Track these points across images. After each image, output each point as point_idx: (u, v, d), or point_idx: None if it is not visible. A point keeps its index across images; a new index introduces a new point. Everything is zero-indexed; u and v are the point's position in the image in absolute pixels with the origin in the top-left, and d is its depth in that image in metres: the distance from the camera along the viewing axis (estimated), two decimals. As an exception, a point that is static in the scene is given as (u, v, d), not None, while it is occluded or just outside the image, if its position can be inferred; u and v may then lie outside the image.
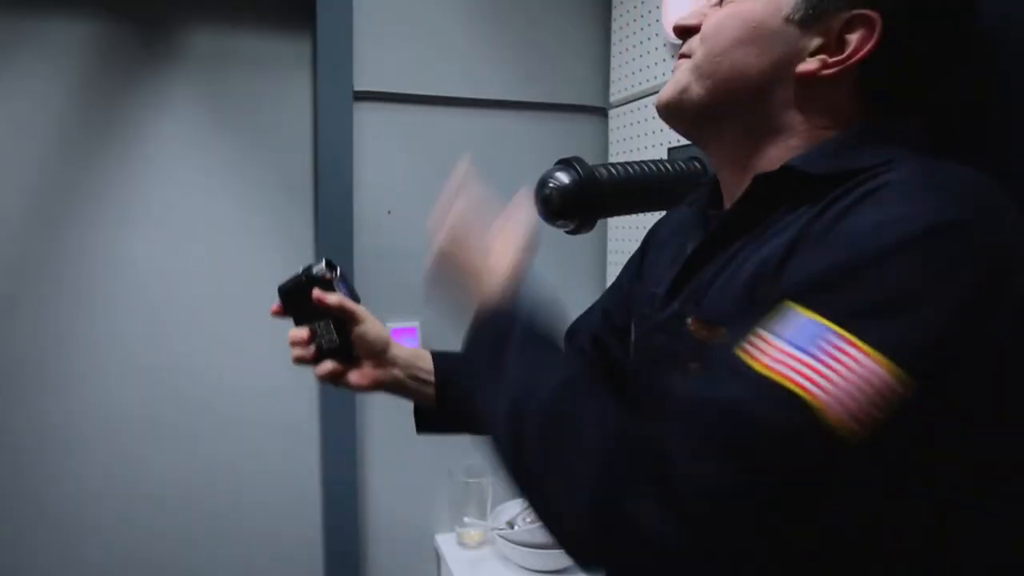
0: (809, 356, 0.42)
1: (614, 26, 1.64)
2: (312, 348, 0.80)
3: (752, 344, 0.44)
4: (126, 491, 1.52)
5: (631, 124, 1.58)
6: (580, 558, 0.52)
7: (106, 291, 1.50)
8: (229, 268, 1.57)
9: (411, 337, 1.63)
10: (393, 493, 1.67)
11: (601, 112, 1.71)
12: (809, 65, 0.56)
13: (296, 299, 0.79)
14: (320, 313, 0.77)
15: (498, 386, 0.55)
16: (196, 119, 1.53)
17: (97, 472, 1.50)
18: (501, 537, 1.52)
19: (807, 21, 0.56)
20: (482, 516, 1.62)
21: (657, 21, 1.42)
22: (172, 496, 1.55)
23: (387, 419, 1.64)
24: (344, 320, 0.78)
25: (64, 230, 1.47)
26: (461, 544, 1.63)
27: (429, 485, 1.69)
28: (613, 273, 1.71)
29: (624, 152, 1.60)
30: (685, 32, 0.63)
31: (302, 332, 0.80)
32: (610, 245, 1.72)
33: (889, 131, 0.56)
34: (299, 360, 0.81)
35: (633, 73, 1.56)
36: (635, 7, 1.54)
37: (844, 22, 0.55)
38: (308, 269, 0.78)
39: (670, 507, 0.42)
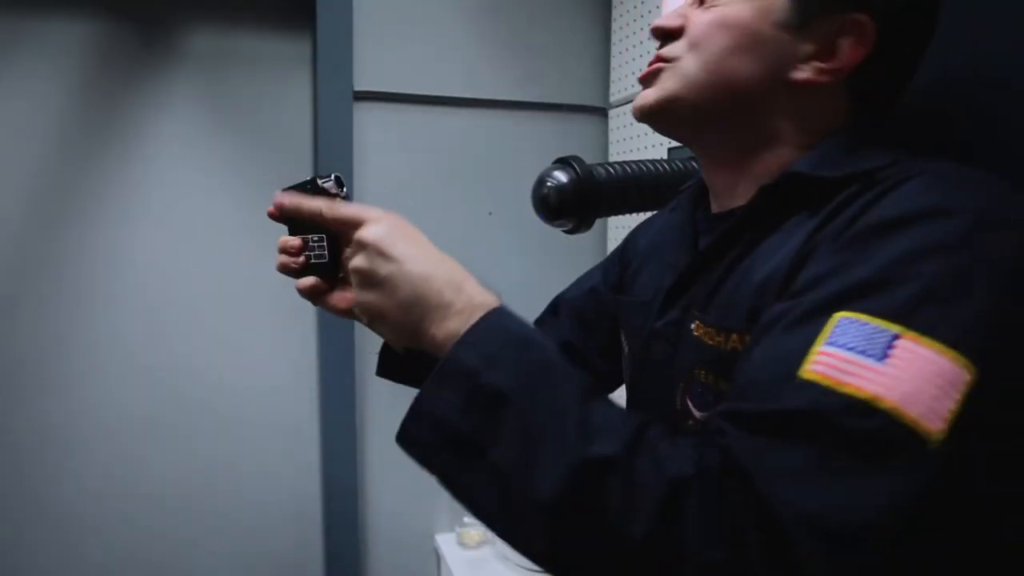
0: (879, 362, 0.40)
1: (614, 26, 1.64)
2: (301, 259, 0.78)
3: (817, 362, 0.41)
4: (126, 491, 1.52)
5: (631, 124, 1.58)
6: None
7: (106, 291, 1.50)
8: (229, 268, 1.57)
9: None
10: (393, 493, 1.67)
11: (601, 112, 1.71)
12: (803, 73, 0.55)
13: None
14: (316, 227, 0.75)
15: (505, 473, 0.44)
16: (196, 119, 1.53)
17: (97, 472, 1.50)
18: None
19: (799, 27, 0.54)
20: (482, 516, 1.62)
21: (657, 21, 1.42)
22: (172, 496, 1.55)
23: (387, 419, 1.64)
24: (337, 237, 0.76)
25: (64, 230, 1.47)
26: (461, 544, 1.63)
27: (429, 485, 1.67)
28: (613, 273, 1.71)
29: (624, 152, 1.60)
30: (666, 35, 0.60)
31: (294, 241, 0.77)
32: (610, 245, 1.72)
33: (889, 133, 0.56)
34: (284, 268, 0.77)
35: (633, 73, 1.56)
36: (635, 7, 1.54)
37: (838, 26, 0.53)
38: (314, 180, 0.76)
39: (786, 548, 0.38)
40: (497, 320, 0.50)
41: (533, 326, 0.51)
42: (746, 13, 0.55)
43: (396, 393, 1.61)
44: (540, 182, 0.85)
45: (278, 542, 1.63)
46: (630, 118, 1.58)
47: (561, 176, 0.85)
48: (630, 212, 1.04)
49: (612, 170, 0.94)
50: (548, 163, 0.96)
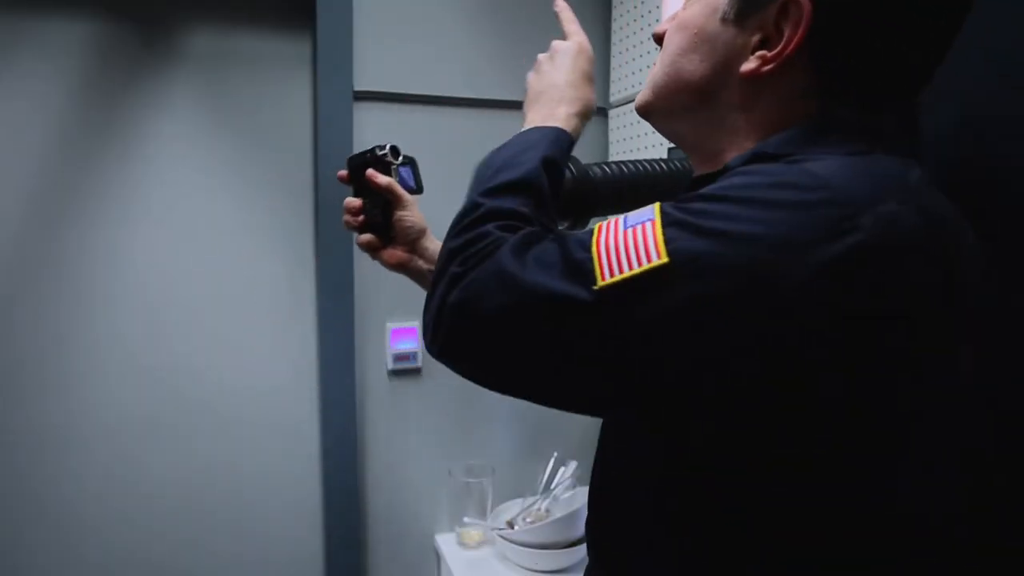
0: (623, 227, 0.50)
1: (614, 26, 1.64)
2: (361, 218, 0.89)
3: (603, 223, 0.53)
4: (126, 491, 1.52)
5: (631, 124, 1.58)
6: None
7: (106, 291, 1.50)
8: (229, 268, 1.57)
9: (411, 337, 1.63)
10: (393, 493, 1.67)
11: (601, 112, 1.71)
12: (751, 64, 0.55)
13: (357, 172, 0.88)
14: (372, 190, 0.86)
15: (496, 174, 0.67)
16: (196, 119, 1.53)
17: (97, 472, 1.50)
18: (501, 537, 1.52)
19: (742, 18, 0.56)
20: (482, 516, 1.62)
21: (657, 21, 1.42)
22: (172, 496, 1.55)
23: (387, 419, 1.64)
24: (390, 202, 0.87)
25: (64, 230, 1.47)
26: (461, 544, 1.63)
27: (429, 485, 1.68)
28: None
29: (624, 152, 1.60)
30: (660, 40, 0.65)
31: (356, 202, 0.90)
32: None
33: (861, 122, 0.54)
34: (347, 225, 0.91)
35: (633, 73, 1.56)
36: (635, 7, 1.54)
37: (777, 11, 0.53)
38: (373, 149, 0.87)
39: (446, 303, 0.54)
40: (541, 132, 0.74)
41: (566, 151, 0.73)
42: (696, 13, 0.59)
43: (396, 393, 1.63)
44: None
45: (278, 542, 1.63)
46: (630, 118, 1.57)
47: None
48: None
49: (608, 170, 0.94)
50: (548, 163, 0.95)
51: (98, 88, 1.47)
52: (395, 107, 1.61)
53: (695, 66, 0.59)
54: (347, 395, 1.58)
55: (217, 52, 1.53)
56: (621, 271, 0.48)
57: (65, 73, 1.44)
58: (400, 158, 0.88)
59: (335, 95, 1.54)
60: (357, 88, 1.55)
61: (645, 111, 0.66)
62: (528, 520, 1.56)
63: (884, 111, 0.55)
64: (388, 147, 0.87)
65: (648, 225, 0.49)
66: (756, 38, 0.55)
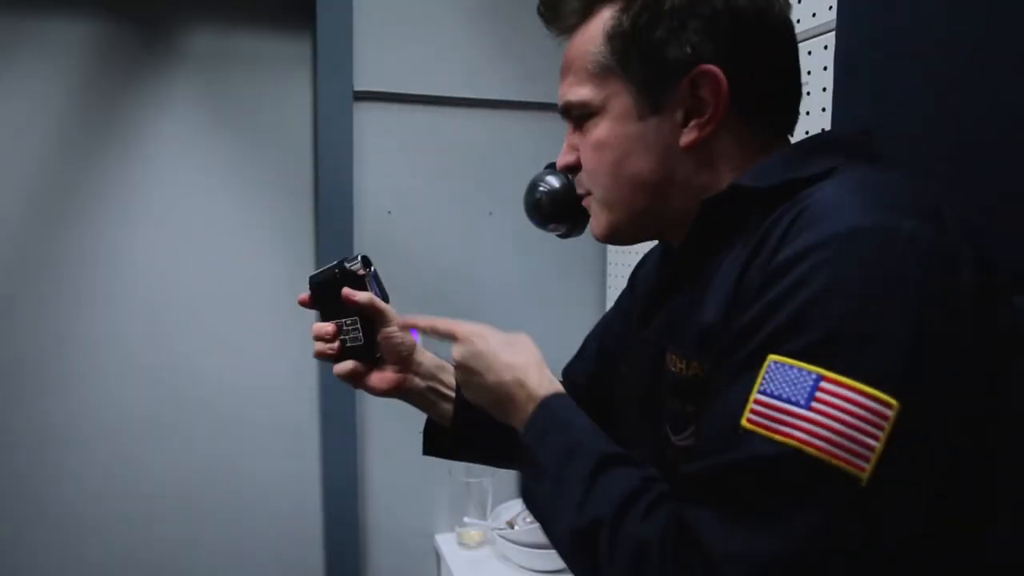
0: (805, 408, 0.43)
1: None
2: (336, 344, 0.78)
3: (753, 411, 0.45)
4: (126, 491, 1.52)
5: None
6: None
7: (106, 291, 1.50)
8: (229, 268, 1.57)
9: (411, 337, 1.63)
10: (393, 493, 1.67)
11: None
12: (688, 136, 0.58)
13: (326, 292, 0.77)
14: (348, 310, 0.76)
15: (570, 499, 0.54)
16: (196, 119, 1.53)
17: (97, 472, 1.50)
18: (501, 537, 1.52)
19: (658, 108, 0.58)
20: (482, 516, 1.62)
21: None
22: (172, 496, 1.55)
23: (387, 419, 1.64)
24: (372, 319, 0.77)
25: (64, 230, 1.47)
26: (461, 544, 1.63)
27: (429, 485, 1.68)
28: (612, 277, 1.71)
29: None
30: (570, 169, 0.67)
31: (327, 327, 0.78)
32: (610, 251, 1.72)
33: (829, 141, 0.58)
34: (321, 355, 0.80)
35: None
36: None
37: (688, 88, 0.57)
38: (342, 263, 0.76)
39: None
40: (543, 412, 0.62)
41: (572, 406, 0.62)
42: (610, 124, 0.60)
43: (396, 393, 1.55)
44: (532, 187, 0.85)
45: (278, 542, 1.63)
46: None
47: (554, 181, 0.84)
48: None
49: None
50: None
51: (98, 88, 1.46)
52: (395, 107, 1.61)
53: (640, 167, 0.60)
54: (347, 395, 1.58)
55: (217, 52, 1.53)
56: (870, 449, 0.42)
57: (65, 73, 1.44)
58: (371, 269, 0.77)
59: (335, 95, 1.54)
60: (357, 88, 1.55)
61: (612, 232, 0.65)
62: (528, 520, 1.56)
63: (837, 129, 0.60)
64: (358, 258, 0.76)
65: (829, 384, 0.43)
66: (679, 115, 0.58)
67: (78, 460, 1.49)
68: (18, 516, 1.46)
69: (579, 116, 0.63)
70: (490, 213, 1.68)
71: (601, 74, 0.60)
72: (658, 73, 0.58)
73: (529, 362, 0.65)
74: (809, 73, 1.02)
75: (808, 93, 1.02)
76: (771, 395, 0.44)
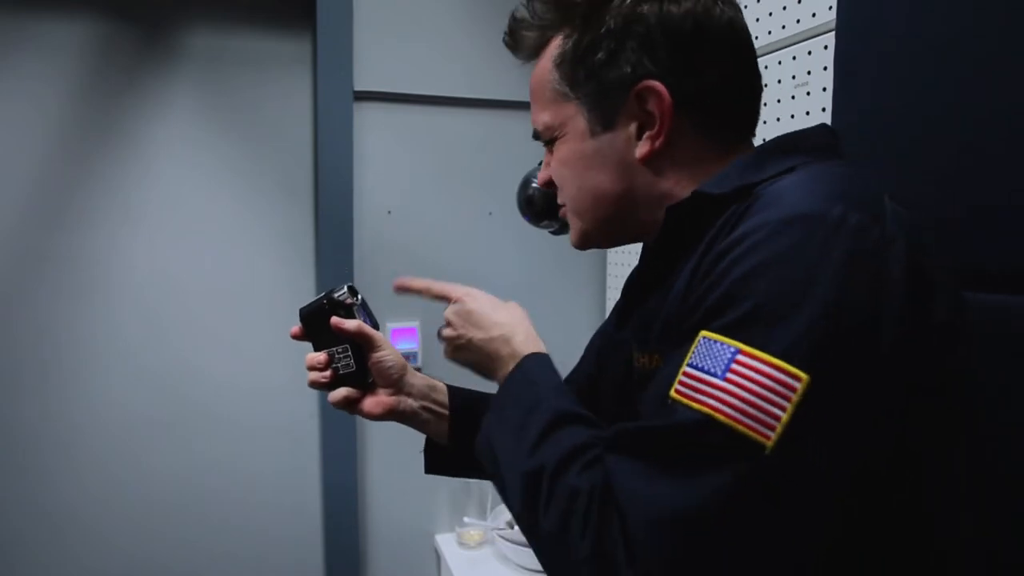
0: (720, 379, 0.46)
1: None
2: (329, 372, 0.80)
3: (680, 382, 0.49)
4: (125, 491, 1.52)
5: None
6: None
7: (106, 291, 1.50)
8: (229, 268, 1.57)
9: (411, 337, 1.63)
10: (393, 493, 1.67)
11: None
12: (642, 149, 0.61)
13: (316, 323, 0.79)
14: (338, 338, 0.78)
15: (519, 452, 0.58)
16: (196, 119, 1.53)
17: (97, 472, 1.50)
18: (501, 537, 1.52)
19: (609, 124, 0.62)
20: (482, 516, 1.62)
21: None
22: (172, 496, 1.55)
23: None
24: (361, 346, 0.79)
25: (64, 230, 1.47)
26: (461, 544, 1.63)
27: (429, 485, 1.69)
28: (612, 278, 1.71)
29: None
30: (548, 185, 0.71)
31: (320, 356, 0.80)
32: (609, 251, 1.72)
33: (790, 142, 0.60)
34: (315, 384, 0.81)
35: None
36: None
37: (635, 103, 0.60)
38: (330, 294, 0.78)
39: (637, 542, 0.46)
40: (520, 368, 0.65)
41: (548, 366, 0.65)
42: (571, 144, 0.64)
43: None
44: (525, 183, 0.85)
45: (278, 542, 1.63)
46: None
47: None
48: None
49: None
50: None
51: (98, 88, 1.47)
52: (395, 107, 1.61)
53: (600, 178, 0.63)
54: (347, 395, 1.59)
55: (217, 52, 1.53)
56: (776, 419, 0.44)
57: (65, 73, 1.44)
58: (358, 297, 0.79)
59: (335, 95, 1.54)
60: (357, 88, 1.55)
61: (584, 239, 0.69)
62: (528, 520, 1.56)
63: (801, 129, 0.62)
64: (345, 288, 0.78)
65: (744, 357, 0.46)
66: (632, 128, 0.61)
67: (78, 460, 1.49)
68: (17, 516, 1.47)
69: (548, 140, 0.68)
70: (490, 213, 1.68)
71: (557, 99, 0.64)
72: (603, 92, 0.61)
73: (516, 322, 0.69)
74: (809, 73, 1.02)
75: (808, 93, 1.02)
76: (696, 367, 0.48)
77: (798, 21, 1.03)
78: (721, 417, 0.45)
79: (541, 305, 1.80)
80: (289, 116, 1.60)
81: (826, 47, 0.98)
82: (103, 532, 1.51)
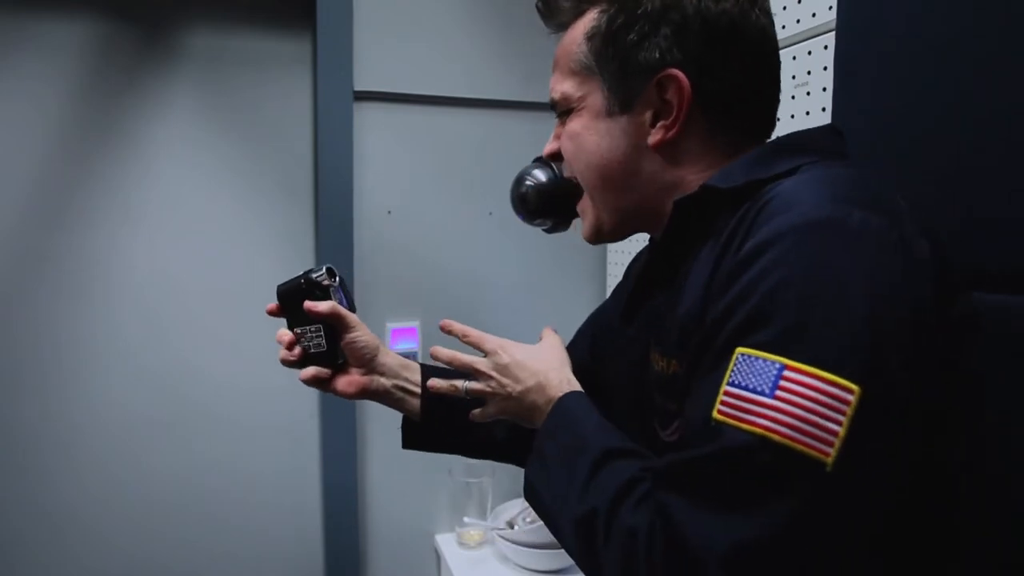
0: (769, 397, 0.45)
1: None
2: (297, 351, 0.82)
3: (723, 403, 0.47)
4: (125, 491, 1.52)
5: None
6: None
7: (106, 291, 1.50)
8: (229, 268, 1.57)
9: (411, 337, 1.63)
10: (393, 493, 1.67)
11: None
12: (655, 136, 0.61)
13: (291, 301, 0.80)
14: (312, 318, 0.79)
15: (569, 493, 0.57)
16: (196, 119, 1.53)
17: (96, 472, 1.50)
18: (501, 537, 1.52)
19: (627, 107, 0.62)
20: (482, 516, 1.62)
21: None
22: (172, 496, 1.55)
23: (387, 420, 1.64)
24: (335, 326, 0.80)
25: (64, 230, 1.47)
26: (461, 544, 1.63)
27: (429, 485, 1.69)
28: (612, 278, 1.71)
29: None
30: (553, 157, 0.72)
31: (286, 335, 0.82)
32: (610, 252, 1.72)
33: (797, 142, 0.60)
34: (284, 361, 0.83)
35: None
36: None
37: (656, 89, 0.60)
38: (308, 274, 0.80)
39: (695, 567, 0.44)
40: (556, 411, 0.65)
41: (585, 404, 0.65)
42: (585, 119, 0.64)
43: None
44: (519, 180, 0.85)
45: (278, 542, 1.63)
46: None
47: (540, 175, 0.83)
48: None
49: None
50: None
51: (98, 88, 1.46)
52: (395, 107, 1.61)
53: (607, 159, 0.64)
54: (347, 395, 1.59)
55: (217, 52, 1.53)
56: (833, 434, 0.43)
57: (65, 73, 1.44)
58: (336, 279, 0.81)
59: (335, 95, 1.54)
60: (357, 88, 1.55)
61: (595, 231, 0.69)
62: (528, 520, 1.56)
63: (808, 129, 0.63)
64: (324, 269, 0.80)
65: (792, 373, 0.44)
66: (648, 115, 0.61)
67: (77, 460, 1.49)
68: (17, 516, 1.46)
69: (562, 110, 0.67)
70: (490, 213, 1.68)
71: (580, 72, 0.64)
72: (628, 74, 0.61)
73: (551, 367, 0.69)
74: (809, 73, 1.02)
75: (808, 93, 1.02)
76: (739, 386, 0.46)
77: (798, 21, 1.03)
78: (776, 437, 0.44)
79: (541, 305, 1.80)
80: (289, 116, 1.59)
81: (826, 47, 0.98)
82: (103, 532, 1.51)
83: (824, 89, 0.99)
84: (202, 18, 1.51)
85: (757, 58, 0.61)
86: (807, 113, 1.02)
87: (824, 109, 0.99)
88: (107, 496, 1.51)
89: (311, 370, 0.81)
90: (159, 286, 1.53)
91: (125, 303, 1.51)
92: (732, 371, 0.47)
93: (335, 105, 1.54)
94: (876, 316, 0.45)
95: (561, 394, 0.66)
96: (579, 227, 0.85)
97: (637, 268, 0.83)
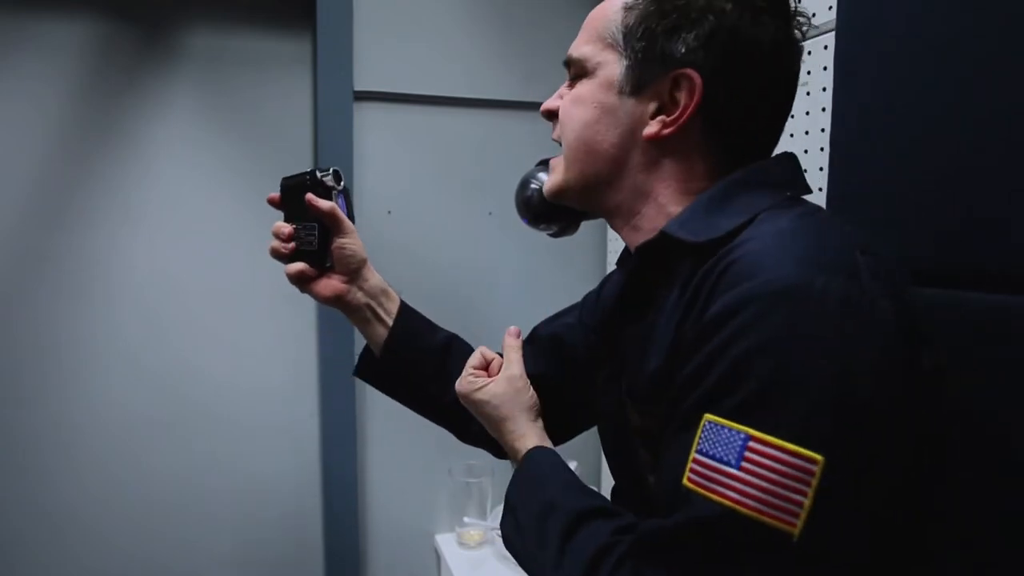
0: (736, 468, 0.45)
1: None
2: (291, 245, 0.82)
3: (692, 470, 0.48)
4: (125, 491, 1.52)
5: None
6: None
7: (106, 291, 1.50)
8: (229, 268, 1.57)
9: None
10: (393, 493, 1.67)
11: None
12: (651, 128, 0.61)
13: (293, 196, 0.81)
14: (309, 215, 0.80)
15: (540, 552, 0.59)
16: (196, 119, 1.53)
17: (96, 472, 1.50)
18: (501, 537, 1.52)
19: (637, 90, 0.61)
20: (482, 516, 1.62)
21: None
22: (172, 496, 1.55)
23: (387, 419, 1.64)
24: (329, 228, 0.80)
25: (64, 230, 1.47)
26: (461, 544, 1.63)
27: (429, 485, 1.68)
28: (613, 273, 1.71)
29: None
30: (550, 114, 0.70)
31: (285, 227, 0.83)
32: (610, 246, 1.72)
33: (756, 178, 0.60)
34: (275, 252, 0.84)
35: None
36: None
37: (670, 83, 0.60)
38: (314, 172, 0.80)
39: None
40: (525, 469, 0.68)
41: (553, 461, 0.67)
42: (593, 88, 0.64)
43: (396, 393, 1.53)
44: (523, 184, 0.84)
45: (278, 542, 1.63)
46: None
47: (545, 178, 0.82)
48: None
49: None
50: (547, 164, 0.95)
51: (98, 88, 1.46)
52: (395, 107, 1.61)
53: (603, 135, 0.63)
54: (347, 395, 1.58)
55: (217, 52, 1.53)
56: (799, 505, 0.44)
57: (65, 73, 1.44)
58: (341, 184, 0.82)
59: (335, 95, 1.54)
60: (357, 88, 1.55)
61: (558, 191, 0.69)
62: (528, 520, 1.56)
63: (764, 160, 0.63)
64: (331, 171, 0.80)
65: (757, 444, 0.45)
66: (653, 106, 0.61)
67: (77, 460, 1.49)
68: (17, 516, 1.46)
69: (575, 73, 0.67)
70: (490, 213, 1.68)
71: (606, 40, 0.63)
72: (649, 59, 0.60)
73: (516, 413, 0.72)
74: (809, 73, 1.02)
75: (808, 93, 1.02)
76: (707, 455, 0.47)
77: (798, 21, 1.03)
78: (744, 510, 0.45)
79: (541, 305, 1.78)
80: (289, 116, 1.59)
81: (826, 47, 0.98)
82: (103, 532, 1.51)
83: (824, 89, 0.99)
84: (202, 18, 1.51)
85: (777, 92, 0.62)
86: (807, 113, 1.02)
87: (824, 109, 0.99)
88: (107, 496, 1.51)
89: (298, 265, 0.82)
90: (159, 286, 1.53)
91: (125, 303, 1.51)
92: (700, 438, 0.48)
93: (335, 105, 1.54)
94: (838, 384, 0.45)
95: (528, 446, 0.69)
96: (582, 228, 0.85)
97: (611, 284, 0.83)
